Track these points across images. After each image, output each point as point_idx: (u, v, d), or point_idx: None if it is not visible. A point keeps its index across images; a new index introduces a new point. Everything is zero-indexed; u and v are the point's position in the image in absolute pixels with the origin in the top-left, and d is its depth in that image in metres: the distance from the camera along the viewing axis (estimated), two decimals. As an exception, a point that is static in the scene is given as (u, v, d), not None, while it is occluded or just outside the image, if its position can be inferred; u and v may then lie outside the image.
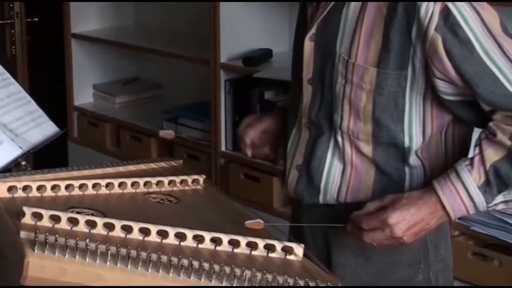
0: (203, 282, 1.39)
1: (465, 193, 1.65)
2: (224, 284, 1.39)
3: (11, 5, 4.47)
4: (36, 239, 1.37)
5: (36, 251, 1.36)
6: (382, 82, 1.68)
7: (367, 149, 1.74)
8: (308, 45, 1.78)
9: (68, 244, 1.37)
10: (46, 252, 1.36)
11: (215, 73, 3.44)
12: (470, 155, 1.70)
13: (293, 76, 1.90)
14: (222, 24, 3.39)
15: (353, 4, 1.71)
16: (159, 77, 4.23)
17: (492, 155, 1.65)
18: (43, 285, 1.37)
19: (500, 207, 1.67)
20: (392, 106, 1.70)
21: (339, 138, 1.76)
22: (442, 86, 1.67)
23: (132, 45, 3.98)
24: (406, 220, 1.64)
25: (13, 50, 4.53)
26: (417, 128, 1.72)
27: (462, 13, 1.62)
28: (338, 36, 1.73)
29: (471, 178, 1.65)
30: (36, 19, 4.54)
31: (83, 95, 4.19)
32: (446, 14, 1.61)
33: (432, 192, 1.67)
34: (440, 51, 1.62)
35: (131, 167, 1.90)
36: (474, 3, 1.63)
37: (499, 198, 1.66)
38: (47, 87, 4.33)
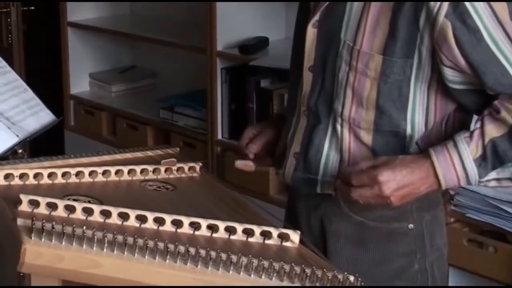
0: (200, 268, 1.39)
1: (459, 163, 1.65)
2: (220, 270, 1.40)
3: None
4: (33, 226, 1.38)
5: (33, 238, 1.37)
6: (387, 70, 1.68)
7: (367, 137, 1.74)
8: (311, 32, 1.77)
9: (65, 231, 1.38)
10: (43, 239, 1.37)
11: (211, 62, 3.44)
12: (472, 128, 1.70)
13: (292, 64, 1.89)
14: (219, 12, 3.38)
15: None
16: (155, 65, 4.23)
17: (493, 130, 1.65)
18: (40, 272, 1.38)
19: (492, 184, 1.66)
20: (396, 94, 1.70)
21: (338, 127, 1.75)
22: (450, 74, 1.67)
23: (128, 33, 3.98)
24: (397, 181, 1.63)
25: (9, 38, 4.52)
26: (420, 117, 1.72)
27: (472, 1, 1.62)
28: (343, 23, 1.72)
29: (468, 149, 1.64)
30: (32, 8, 4.53)
31: (79, 83, 4.18)
32: (456, 2, 1.62)
33: (427, 157, 1.66)
34: (450, 38, 1.63)
35: (128, 155, 1.91)
36: None
37: (492, 174, 1.66)
38: (43, 75, 4.33)
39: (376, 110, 1.71)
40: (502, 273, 2.62)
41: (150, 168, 1.81)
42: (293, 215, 1.88)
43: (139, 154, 1.92)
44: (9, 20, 4.51)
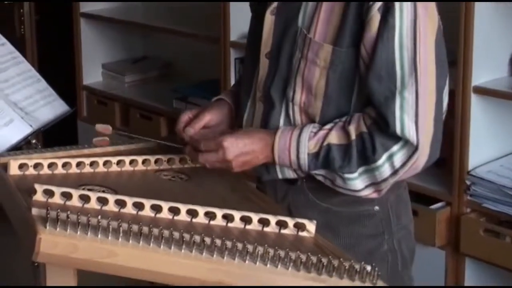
0: (215, 258, 1.38)
1: (295, 152, 1.72)
2: (236, 260, 1.39)
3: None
4: (48, 216, 1.37)
5: (48, 227, 1.36)
6: (336, 60, 1.71)
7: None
8: (269, 19, 1.79)
9: (79, 220, 1.37)
10: (57, 229, 1.36)
11: (225, 51, 3.43)
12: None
13: (248, 49, 1.91)
14: (232, 2, 3.37)
15: None
16: (168, 55, 4.22)
17: (335, 137, 1.70)
18: (55, 261, 1.37)
19: (320, 178, 1.74)
20: (344, 83, 1.73)
21: (290, 112, 1.78)
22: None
23: (141, 23, 3.97)
24: (239, 148, 1.72)
25: (22, 29, 4.52)
26: (363, 103, 1.73)
27: (403, 1, 1.65)
28: (301, 11, 1.75)
29: (307, 143, 1.71)
30: (45, -2, 4.54)
31: (92, 74, 4.18)
32: None
33: (273, 134, 1.74)
34: (374, 29, 1.66)
35: (142, 145, 1.90)
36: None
37: (321, 171, 1.72)
38: (56, 66, 4.32)
39: (324, 98, 1.74)
40: (518, 263, 2.61)
41: (164, 158, 1.80)
42: None
43: (153, 144, 1.91)
44: (21, 10, 4.51)
